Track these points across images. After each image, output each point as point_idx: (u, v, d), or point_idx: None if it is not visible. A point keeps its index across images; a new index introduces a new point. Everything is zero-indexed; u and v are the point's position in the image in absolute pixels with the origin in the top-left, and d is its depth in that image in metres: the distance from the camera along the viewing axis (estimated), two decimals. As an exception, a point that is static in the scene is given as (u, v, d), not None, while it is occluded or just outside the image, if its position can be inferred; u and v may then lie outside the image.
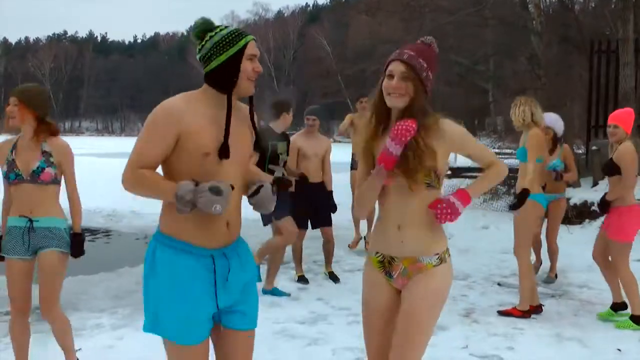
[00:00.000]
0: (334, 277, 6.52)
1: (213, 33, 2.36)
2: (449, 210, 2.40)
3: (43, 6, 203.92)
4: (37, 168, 3.54)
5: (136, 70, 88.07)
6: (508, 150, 13.66)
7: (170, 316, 2.36)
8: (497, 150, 24.27)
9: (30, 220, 3.57)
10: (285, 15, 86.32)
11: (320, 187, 6.38)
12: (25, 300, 3.71)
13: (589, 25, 13.87)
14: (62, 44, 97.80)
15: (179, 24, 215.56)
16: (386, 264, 2.55)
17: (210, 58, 2.35)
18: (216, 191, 2.15)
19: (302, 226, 6.27)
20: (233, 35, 2.35)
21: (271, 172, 5.58)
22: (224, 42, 2.34)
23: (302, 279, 6.38)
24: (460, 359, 4.29)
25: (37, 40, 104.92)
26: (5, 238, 3.62)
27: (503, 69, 17.21)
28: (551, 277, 6.43)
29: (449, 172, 7.71)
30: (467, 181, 15.38)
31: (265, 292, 5.69)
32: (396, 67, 2.43)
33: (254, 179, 2.51)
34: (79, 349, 4.07)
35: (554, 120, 6.28)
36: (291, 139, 6.37)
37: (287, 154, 5.86)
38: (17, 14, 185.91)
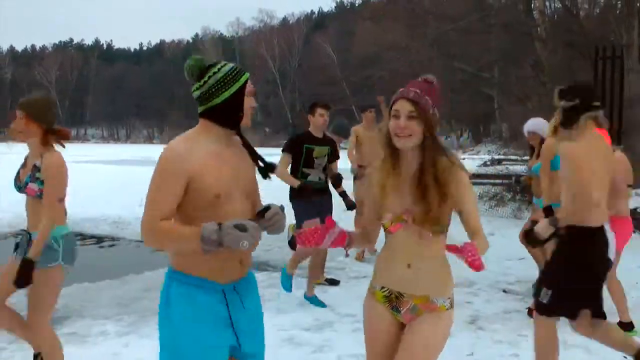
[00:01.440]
0: (332, 282, 6.61)
1: (216, 69, 2.40)
2: (475, 259, 2.22)
3: (49, 14, 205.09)
4: (24, 182, 3.54)
5: (142, 77, 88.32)
6: (513, 157, 13.66)
7: (192, 346, 2.36)
8: (502, 157, 24.30)
9: (29, 234, 3.55)
10: (290, 22, 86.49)
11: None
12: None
13: (594, 31, 13.86)
14: (68, 52, 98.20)
15: (185, 31, 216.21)
16: (393, 299, 2.51)
17: (214, 95, 2.39)
18: (242, 228, 2.17)
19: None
20: (235, 72, 2.41)
21: (305, 175, 5.66)
22: (227, 79, 2.39)
23: (334, 281, 6.60)
24: (465, 366, 4.28)
25: (44, 48, 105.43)
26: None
27: (508, 75, 17.18)
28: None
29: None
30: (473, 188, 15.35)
31: (306, 298, 5.76)
32: (402, 106, 2.36)
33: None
34: None
35: (540, 125, 6.31)
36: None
37: (328, 159, 5.82)
38: (24, 22, 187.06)
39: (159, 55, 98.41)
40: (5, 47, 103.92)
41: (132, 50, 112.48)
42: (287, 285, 5.72)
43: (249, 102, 2.44)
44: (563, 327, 5.07)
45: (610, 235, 3.66)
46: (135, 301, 5.86)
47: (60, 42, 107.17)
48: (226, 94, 2.38)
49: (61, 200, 3.57)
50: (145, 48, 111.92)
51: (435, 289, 2.47)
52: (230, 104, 2.39)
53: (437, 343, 2.49)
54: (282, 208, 2.41)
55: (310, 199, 5.56)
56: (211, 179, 2.30)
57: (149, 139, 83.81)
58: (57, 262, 3.54)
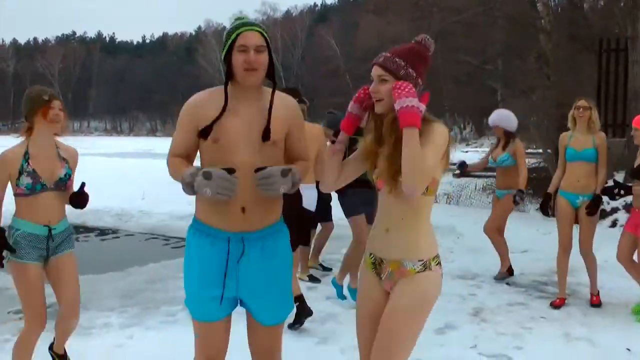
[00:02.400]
0: (323, 267, 6.81)
1: (228, 28, 2.51)
2: (402, 89, 2.26)
3: (52, 7, 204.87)
4: (65, 176, 3.52)
5: (144, 70, 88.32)
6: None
7: (186, 290, 2.63)
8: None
9: (50, 229, 3.51)
10: (294, 14, 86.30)
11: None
12: (44, 307, 3.54)
13: (598, 24, 13.79)
14: (70, 45, 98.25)
15: (188, 24, 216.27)
16: (377, 265, 2.53)
17: (221, 54, 2.57)
18: (206, 176, 2.31)
19: (323, 220, 6.66)
20: (230, 30, 2.48)
21: None
22: (225, 37, 2.51)
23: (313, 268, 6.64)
24: (469, 359, 4.28)
25: (46, 40, 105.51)
26: (19, 244, 3.48)
27: (511, 68, 17.12)
28: (502, 273, 6.52)
29: (457, 172, 7.69)
30: (477, 180, 15.38)
31: (334, 284, 5.63)
32: (374, 72, 2.41)
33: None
34: None
35: (503, 117, 6.36)
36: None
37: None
38: (26, 14, 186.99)
39: (162, 48, 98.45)
40: (8, 40, 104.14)
41: (135, 43, 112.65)
42: (340, 293, 5.59)
43: (240, 58, 2.44)
44: (567, 320, 5.10)
45: None
46: (139, 293, 5.87)
47: (63, 34, 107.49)
48: (223, 53, 2.52)
49: None
50: (148, 41, 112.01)
51: (407, 253, 2.43)
52: (226, 61, 2.51)
53: (409, 310, 2.40)
54: (283, 172, 2.40)
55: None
56: (213, 128, 2.47)
57: (152, 132, 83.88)
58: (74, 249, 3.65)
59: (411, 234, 2.45)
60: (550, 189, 5.72)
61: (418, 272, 2.43)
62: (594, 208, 5.38)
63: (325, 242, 7.00)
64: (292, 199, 3.15)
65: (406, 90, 2.27)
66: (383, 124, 2.45)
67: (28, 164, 3.44)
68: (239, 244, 2.51)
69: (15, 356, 3.61)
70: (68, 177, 3.54)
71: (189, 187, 2.36)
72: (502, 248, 6.57)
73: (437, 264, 2.48)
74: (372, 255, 2.56)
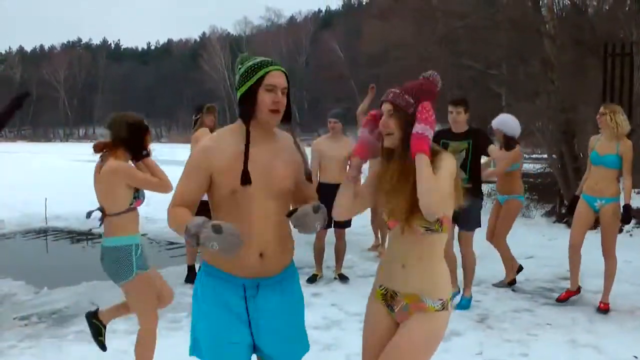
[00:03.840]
0: (343, 278, 6.65)
1: (241, 65, 2.42)
2: (424, 116, 2.37)
3: (58, 14, 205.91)
4: (142, 194, 3.77)
5: (149, 76, 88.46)
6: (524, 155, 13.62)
7: (205, 338, 2.47)
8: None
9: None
10: (298, 20, 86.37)
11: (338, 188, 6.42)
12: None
13: (603, 28, 13.76)
14: (76, 51, 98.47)
15: (192, 30, 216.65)
16: (389, 298, 2.54)
17: (237, 90, 2.42)
18: (216, 230, 2.17)
19: (324, 227, 6.44)
20: (255, 66, 2.39)
21: None
22: (246, 74, 2.39)
23: (313, 279, 6.48)
24: (474, 365, 4.27)
25: (52, 47, 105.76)
26: (141, 255, 3.75)
27: (516, 72, 17.08)
28: (504, 283, 6.48)
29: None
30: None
31: (463, 301, 5.65)
32: (384, 107, 2.47)
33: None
34: None
35: (504, 121, 6.31)
36: (313, 142, 6.52)
37: (468, 154, 5.51)
38: (32, 22, 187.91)
39: (167, 55, 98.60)
40: (14, 47, 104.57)
41: (140, 49, 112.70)
42: None
43: (268, 98, 2.36)
44: (573, 327, 5.07)
45: None
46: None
47: (68, 41, 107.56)
48: (243, 89, 2.39)
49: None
50: (153, 47, 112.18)
51: (426, 290, 2.47)
52: (245, 99, 2.39)
53: (422, 344, 2.47)
54: (314, 209, 2.37)
55: None
56: (229, 176, 2.36)
57: (157, 138, 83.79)
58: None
59: (429, 272, 2.49)
60: (577, 192, 5.82)
61: (437, 310, 2.47)
62: (626, 217, 5.47)
63: (344, 249, 6.82)
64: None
65: (428, 116, 2.36)
66: (393, 156, 2.49)
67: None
68: (255, 291, 2.43)
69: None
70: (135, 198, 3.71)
71: (194, 239, 2.21)
72: (509, 256, 6.51)
73: (451, 305, 2.56)
74: (382, 287, 2.57)
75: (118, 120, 3.78)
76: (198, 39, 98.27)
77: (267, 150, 2.43)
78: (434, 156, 2.40)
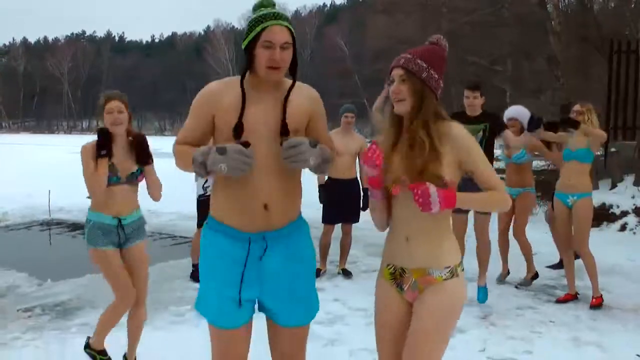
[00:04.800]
0: (346, 273, 6.67)
1: (252, 14, 2.40)
2: (420, 200, 2.25)
3: (62, 6, 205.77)
4: (137, 171, 3.75)
5: (153, 69, 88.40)
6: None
7: (203, 294, 2.51)
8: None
9: (119, 220, 3.75)
10: (303, 15, 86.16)
11: (351, 184, 6.51)
12: (131, 287, 3.80)
13: (609, 25, 13.73)
14: (80, 44, 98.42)
15: (196, 23, 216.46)
16: (397, 276, 2.48)
17: (243, 42, 2.40)
18: (221, 151, 2.18)
19: (330, 222, 6.61)
20: (255, 20, 2.36)
21: None
22: (247, 28, 2.37)
23: (317, 274, 6.49)
24: (477, 362, 4.27)
25: (56, 40, 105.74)
26: (95, 232, 3.73)
27: (521, 69, 17.07)
28: (527, 280, 6.43)
29: None
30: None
31: (481, 290, 5.69)
32: (395, 73, 2.40)
33: None
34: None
35: (519, 112, 6.32)
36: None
37: (485, 134, 5.47)
38: (37, 14, 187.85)
39: (171, 48, 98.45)
40: (18, 39, 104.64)
41: (144, 42, 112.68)
42: None
43: (264, 55, 2.32)
44: (576, 325, 5.07)
45: None
46: (148, 293, 5.87)
47: (72, 33, 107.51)
48: (244, 43, 2.39)
49: None
50: (157, 40, 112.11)
51: (431, 261, 2.41)
52: (247, 52, 2.39)
53: (442, 318, 2.40)
54: (312, 143, 2.29)
55: None
56: (231, 116, 2.36)
57: (161, 131, 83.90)
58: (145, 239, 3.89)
59: (434, 241, 2.43)
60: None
61: (445, 279, 2.41)
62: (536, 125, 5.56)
63: (349, 245, 6.84)
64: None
65: (426, 198, 2.24)
66: (401, 124, 2.46)
67: (105, 157, 3.68)
68: (261, 243, 2.39)
69: (100, 324, 3.87)
70: (140, 172, 3.76)
71: (202, 167, 2.22)
72: (530, 251, 6.51)
73: (462, 269, 2.48)
74: (390, 266, 2.51)
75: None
76: (202, 33, 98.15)
77: (269, 97, 2.41)
78: (444, 129, 2.39)
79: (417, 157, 2.35)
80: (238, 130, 2.34)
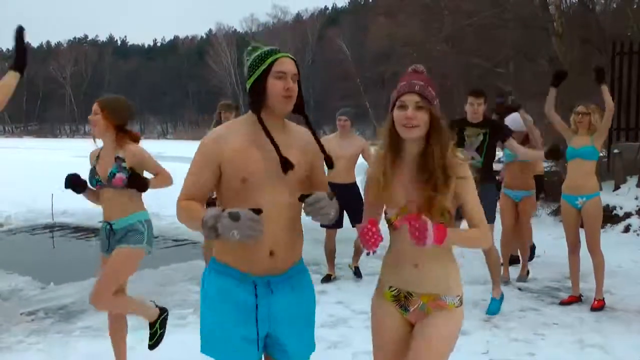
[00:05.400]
0: (358, 273, 6.68)
1: (249, 57, 2.38)
2: (417, 234, 2.24)
3: (64, 11, 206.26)
4: (110, 173, 3.72)
5: (156, 73, 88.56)
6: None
7: (215, 335, 2.42)
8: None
9: (110, 224, 3.78)
10: (304, 17, 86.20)
11: (350, 188, 6.38)
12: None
13: (611, 26, 13.72)
14: (82, 48, 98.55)
15: (198, 27, 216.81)
16: (402, 299, 2.50)
17: (247, 81, 2.37)
18: (234, 217, 2.09)
19: (332, 226, 6.47)
20: (262, 55, 2.35)
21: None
22: (254, 63, 2.35)
23: (327, 279, 6.49)
24: (480, 364, 4.26)
25: (59, 44, 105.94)
26: (100, 237, 3.92)
27: (523, 71, 17.05)
28: (522, 276, 6.64)
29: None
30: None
31: (494, 301, 5.56)
32: (409, 98, 2.37)
33: None
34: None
35: (519, 121, 6.43)
36: (323, 140, 6.50)
37: (485, 140, 5.42)
38: (39, 18, 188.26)
39: (173, 51, 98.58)
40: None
41: (146, 46, 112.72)
42: None
43: (278, 85, 2.32)
44: (580, 327, 5.05)
45: None
46: (150, 296, 5.85)
47: (75, 38, 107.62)
48: (251, 80, 2.36)
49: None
50: (159, 44, 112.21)
51: (444, 288, 2.46)
52: (255, 88, 2.35)
53: (449, 338, 2.48)
54: (330, 196, 2.28)
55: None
56: (238, 165, 2.31)
57: (163, 135, 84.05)
58: (142, 245, 3.83)
59: (445, 269, 2.48)
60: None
61: (457, 307, 2.48)
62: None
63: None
64: None
65: (423, 233, 2.23)
66: (401, 149, 2.44)
67: (96, 161, 3.84)
68: (266, 288, 2.39)
69: (135, 312, 4.07)
70: (113, 174, 3.72)
71: (212, 231, 2.13)
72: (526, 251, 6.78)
73: (463, 298, 2.55)
74: (394, 289, 2.52)
75: None
76: (204, 36, 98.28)
77: (279, 139, 2.34)
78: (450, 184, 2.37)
79: (430, 189, 2.35)
80: (284, 165, 2.28)
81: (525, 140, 6.50)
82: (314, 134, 2.48)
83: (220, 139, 2.35)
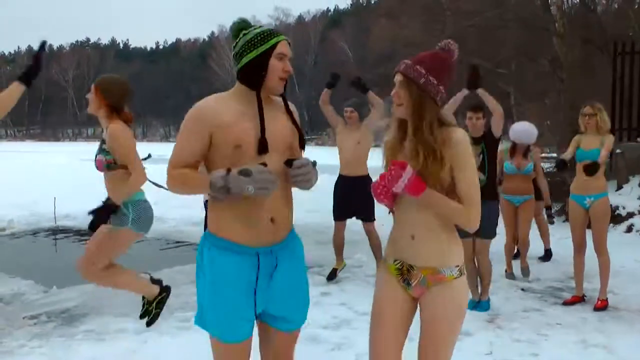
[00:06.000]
0: (332, 275, 6.57)
1: (247, 31, 2.43)
2: (389, 177, 2.35)
3: (66, 14, 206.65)
4: (94, 155, 3.84)
5: (158, 76, 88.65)
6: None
7: (213, 314, 2.44)
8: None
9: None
10: (306, 19, 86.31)
11: (361, 181, 6.18)
12: None
13: (612, 26, 13.71)
14: (85, 51, 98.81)
15: (200, 30, 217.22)
16: (405, 272, 2.51)
17: (242, 55, 2.42)
18: (245, 173, 2.18)
19: (338, 218, 6.46)
20: (265, 34, 2.41)
21: None
22: (255, 40, 2.41)
23: (333, 274, 6.47)
24: (484, 365, 4.25)
25: (61, 47, 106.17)
26: None
27: (525, 71, 17.05)
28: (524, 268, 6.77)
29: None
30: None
31: (483, 303, 5.55)
32: (396, 78, 2.46)
33: None
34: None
35: (522, 136, 6.64)
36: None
37: (484, 158, 5.46)
38: (42, 22, 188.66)
39: (175, 54, 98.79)
40: (23, 47, 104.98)
41: (149, 49, 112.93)
42: None
43: (279, 66, 2.41)
44: (583, 327, 5.04)
45: None
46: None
47: (77, 41, 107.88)
48: (251, 55, 2.40)
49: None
50: (161, 47, 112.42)
51: (441, 260, 2.46)
52: (254, 64, 2.40)
53: (454, 313, 2.48)
54: (314, 163, 2.39)
55: None
56: (230, 132, 2.35)
57: (166, 138, 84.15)
58: (126, 227, 3.91)
59: (441, 240, 2.47)
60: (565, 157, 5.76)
61: (456, 278, 2.47)
62: (592, 168, 5.41)
63: (377, 243, 6.46)
64: None
65: (397, 176, 2.33)
66: (406, 125, 2.50)
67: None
68: (270, 258, 2.43)
69: (129, 288, 4.28)
70: (95, 157, 3.84)
71: (222, 191, 2.22)
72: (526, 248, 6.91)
73: (464, 267, 2.55)
74: (397, 262, 2.54)
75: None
76: (206, 39, 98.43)
77: (269, 110, 2.43)
78: (444, 134, 2.40)
79: (420, 162, 2.39)
80: (263, 145, 2.36)
81: (526, 150, 6.71)
82: (290, 114, 2.53)
83: (210, 109, 2.39)
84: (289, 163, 2.39)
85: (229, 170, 2.23)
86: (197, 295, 2.53)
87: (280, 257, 2.46)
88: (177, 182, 2.39)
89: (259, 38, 2.40)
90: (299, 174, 2.35)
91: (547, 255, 7.63)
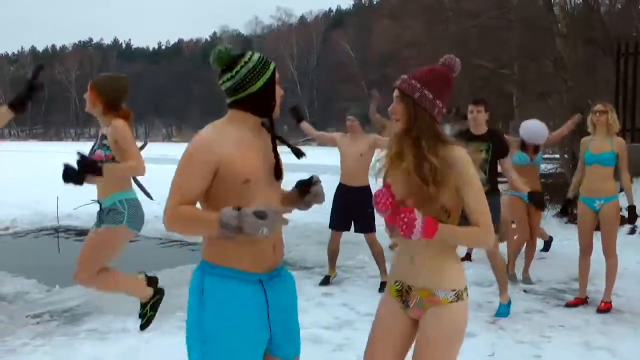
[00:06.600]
0: (325, 281, 6.52)
1: (247, 59, 2.38)
2: (404, 227, 2.28)
3: (69, 14, 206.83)
4: (91, 149, 3.85)
5: (160, 76, 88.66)
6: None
7: (226, 342, 2.30)
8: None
9: (100, 203, 3.93)
10: (309, 20, 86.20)
11: (361, 192, 6.13)
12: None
13: (616, 27, 13.68)
14: (87, 51, 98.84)
15: (203, 30, 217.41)
16: (404, 293, 2.52)
17: (248, 84, 2.36)
18: (260, 215, 2.10)
19: (335, 228, 6.40)
20: (264, 61, 2.41)
21: None
22: (259, 68, 2.37)
23: (326, 280, 6.43)
24: (486, 367, 4.24)
25: (64, 47, 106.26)
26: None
27: (528, 72, 17.01)
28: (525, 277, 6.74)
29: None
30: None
31: (502, 306, 5.46)
32: (394, 93, 2.47)
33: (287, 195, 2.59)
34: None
35: (534, 135, 6.65)
36: (335, 134, 6.63)
37: (488, 156, 5.36)
38: (44, 22, 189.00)
39: (178, 54, 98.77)
40: (26, 47, 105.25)
41: (151, 49, 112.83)
42: None
43: (279, 91, 2.46)
44: (586, 329, 5.03)
45: None
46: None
47: (79, 41, 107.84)
48: (259, 83, 2.37)
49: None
50: (163, 47, 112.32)
51: (437, 282, 2.44)
52: (264, 92, 2.38)
53: (446, 337, 2.44)
54: (317, 179, 2.49)
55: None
56: (239, 166, 2.28)
57: (168, 137, 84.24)
58: (122, 224, 3.87)
59: (438, 263, 2.45)
60: (569, 194, 5.86)
61: (451, 302, 2.44)
62: (632, 218, 5.58)
63: (380, 253, 6.33)
64: None
65: (411, 225, 2.29)
66: (402, 143, 2.46)
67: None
68: (270, 283, 2.39)
69: (125, 290, 4.22)
70: (93, 151, 3.87)
71: (234, 231, 2.11)
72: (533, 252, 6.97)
73: (467, 295, 2.50)
74: (397, 283, 2.55)
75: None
76: (209, 39, 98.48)
77: (264, 140, 2.43)
78: (446, 153, 2.37)
79: (416, 179, 2.37)
80: (278, 174, 2.41)
81: (535, 150, 6.73)
82: (274, 140, 2.46)
83: (213, 143, 2.28)
84: (303, 189, 2.46)
85: (238, 209, 2.12)
86: (191, 330, 2.40)
87: (277, 283, 2.44)
88: (182, 219, 2.23)
89: (261, 65, 2.38)
90: (313, 199, 2.48)
91: (547, 246, 7.95)
